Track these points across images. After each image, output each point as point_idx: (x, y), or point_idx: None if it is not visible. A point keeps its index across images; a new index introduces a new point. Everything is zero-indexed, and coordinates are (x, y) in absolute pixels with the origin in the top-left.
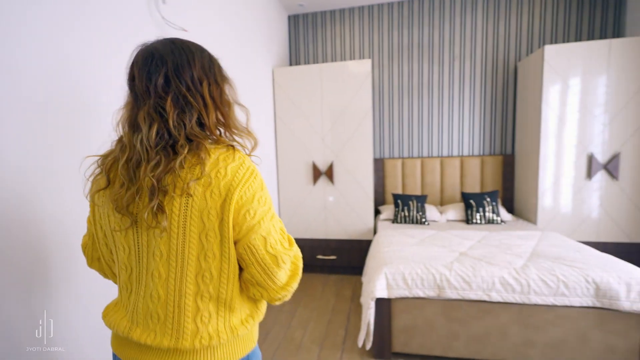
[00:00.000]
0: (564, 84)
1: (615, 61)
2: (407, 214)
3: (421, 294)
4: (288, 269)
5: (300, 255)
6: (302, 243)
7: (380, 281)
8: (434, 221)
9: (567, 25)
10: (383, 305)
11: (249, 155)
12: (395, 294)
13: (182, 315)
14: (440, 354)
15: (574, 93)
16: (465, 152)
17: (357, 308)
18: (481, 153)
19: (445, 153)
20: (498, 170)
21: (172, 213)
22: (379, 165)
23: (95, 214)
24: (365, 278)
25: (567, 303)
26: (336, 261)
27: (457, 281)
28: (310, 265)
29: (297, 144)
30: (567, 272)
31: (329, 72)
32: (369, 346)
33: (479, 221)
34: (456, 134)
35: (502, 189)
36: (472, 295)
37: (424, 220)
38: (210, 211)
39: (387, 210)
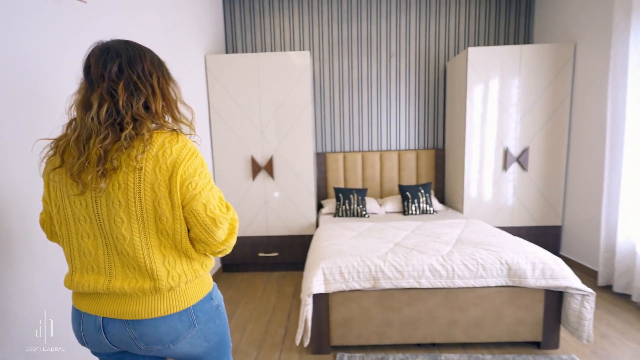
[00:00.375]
0: (485, 85)
1: (525, 65)
2: (348, 207)
3: (357, 286)
4: (226, 229)
5: (236, 217)
6: (242, 241)
7: (318, 276)
8: (374, 213)
9: (487, 29)
10: (321, 300)
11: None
12: (333, 288)
13: (153, 262)
14: (377, 342)
15: (494, 93)
16: (402, 147)
17: (299, 304)
18: (416, 147)
19: (384, 147)
20: (431, 163)
21: (127, 186)
22: (321, 160)
23: (51, 192)
24: (305, 273)
25: (485, 284)
26: (278, 258)
27: (390, 271)
28: (252, 264)
29: (234, 138)
30: (485, 255)
31: (267, 63)
32: (307, 343)
33: (414, 212)
34: (394, 129)
35: (435, 180)
36: (405, 284)
37: (364, 213)
38: (160, 183)
39: (329, 204)
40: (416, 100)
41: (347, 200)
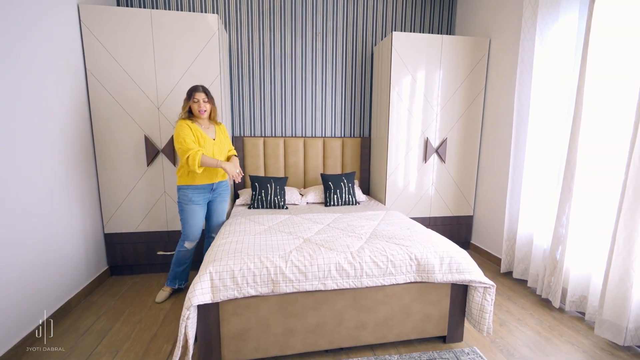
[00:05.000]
0: (408, 72)
1: (446, 55)
2: (264, 198)
3: (253, 292)
4: (184, 158)
5: (186, 159)
6: (135, 237)
7: (203, 283)
8: (295, 204)
9: (413, 17)
10: (210, 311)
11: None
12: (223, 296)
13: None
14: (278, 353)
15: (417, 81)
16: (328, 134)
17: None
18: (342, 135)
19: (309, 133)
20: (357, 152)
21: None
22: (239, 144)
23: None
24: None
25: (394, 282)
26: None
27: (292, 273)
28: (149, 265)
29: (121, 114)
30: (395, 251)
31: (165, 23)
32: None
33: (336, 203)
34: (320, 114)
35: (360, 170)
36: (308, 287)
37: (282, 204)
38: None
39: (245, 195)
40: (343, 84)
41: (264, 190)
